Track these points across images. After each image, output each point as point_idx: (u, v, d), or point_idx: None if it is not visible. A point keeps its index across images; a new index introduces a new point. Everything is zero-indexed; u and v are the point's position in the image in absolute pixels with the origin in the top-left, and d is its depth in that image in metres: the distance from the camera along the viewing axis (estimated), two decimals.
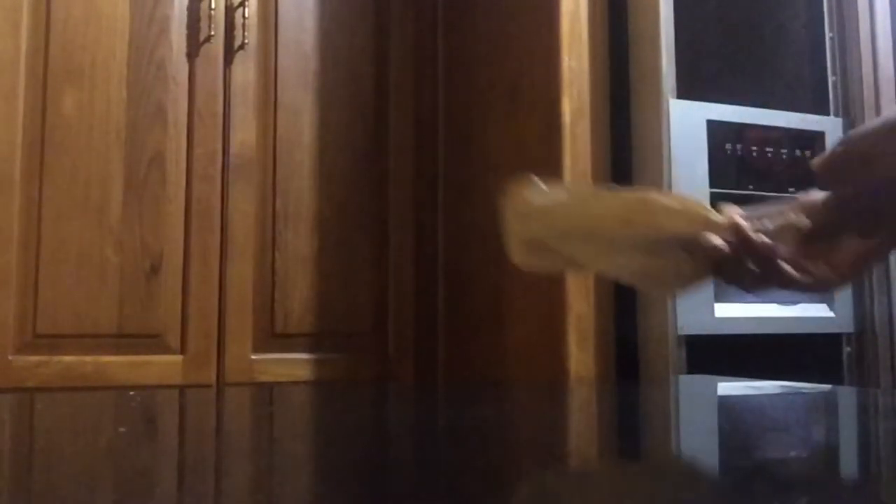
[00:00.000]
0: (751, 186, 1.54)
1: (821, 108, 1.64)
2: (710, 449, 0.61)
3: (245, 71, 1.75)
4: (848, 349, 1.60)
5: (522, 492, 0.43)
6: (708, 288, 1.47)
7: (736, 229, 0.65)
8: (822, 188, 0.67)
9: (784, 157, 1.57)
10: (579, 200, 0.71)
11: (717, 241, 0.65)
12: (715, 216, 0.67)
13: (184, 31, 1.71)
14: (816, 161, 0.66)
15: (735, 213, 0.66)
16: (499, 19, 1.72)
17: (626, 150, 1.54)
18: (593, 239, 0.69)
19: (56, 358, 1.58)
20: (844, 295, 1.59)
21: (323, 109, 1.81)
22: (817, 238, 0.67)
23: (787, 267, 0.66)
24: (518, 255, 0.72)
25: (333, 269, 1.79)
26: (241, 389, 1.65)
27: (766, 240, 0.65)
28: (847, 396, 1.12)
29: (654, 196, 0.69)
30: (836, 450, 0.62)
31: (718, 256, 0.65)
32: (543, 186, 0.71)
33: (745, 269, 0.66)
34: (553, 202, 0.70)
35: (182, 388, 1.64)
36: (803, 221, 0.67)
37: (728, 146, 1.53)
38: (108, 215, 1.63)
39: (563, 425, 0.76)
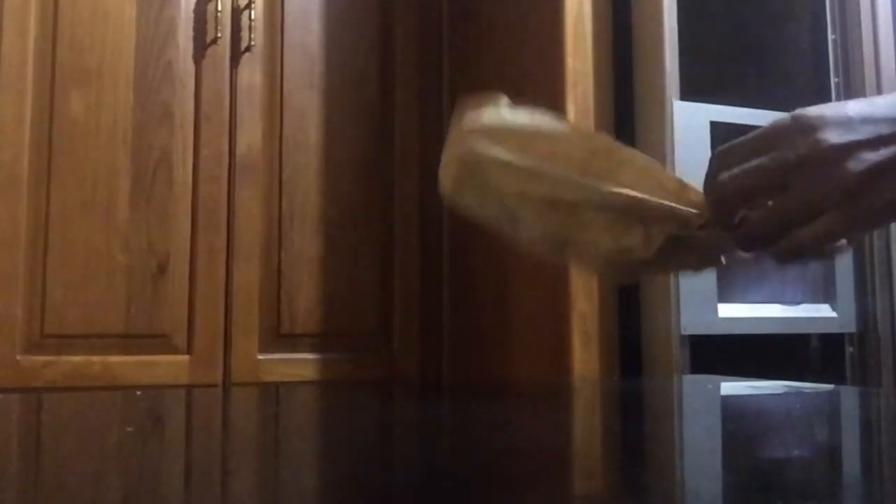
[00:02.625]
0: None
1: None
2: (713, 448, 0.62)
3: (251, 72, 1.76)
4: (850, 349, 1.60)
5: (526, 492, 0.43)
6: (712, 288, 1.48)
7: (718, 204, 0.59)
8: None
9: None
10: (539, 129, 0.60)
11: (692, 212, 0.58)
12: (691, 188, 0.59)
13: (190, 33, 1.72)
14: None
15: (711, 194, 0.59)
16: (503, 21, 1.73)
17: None
18: (538, 181, 0.58)
19: (64, 358, 1.59)
20: (847, 295, 1.60)
21: (329, 111, 1.82)
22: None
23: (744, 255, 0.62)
24: (448, 181, 0.60)
25: (339, 270, 1.80)
26: (248, 389, 1.65)
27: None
28: (850, 396, 1.12)
29: (623, 147, 0.60)
30: (839, 450, 0.63)
31: (686, 227, 0.58)
32: (505, 107, 0.60)
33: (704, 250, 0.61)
34: (509, 124, 0.59)
35: (188, 388, 1.64)
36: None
37: None
38: (115, 216, 1.64)
39: (567, 425, 0.77)
